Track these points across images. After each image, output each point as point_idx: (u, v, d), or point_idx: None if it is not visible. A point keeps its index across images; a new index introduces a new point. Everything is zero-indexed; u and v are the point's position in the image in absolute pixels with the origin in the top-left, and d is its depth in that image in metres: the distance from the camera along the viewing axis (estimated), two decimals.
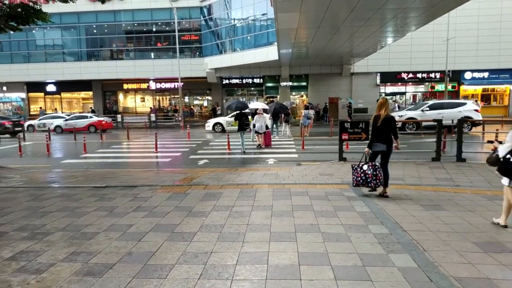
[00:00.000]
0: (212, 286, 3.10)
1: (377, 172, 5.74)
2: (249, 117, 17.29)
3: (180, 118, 28.86)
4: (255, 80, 33.14)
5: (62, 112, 31.57)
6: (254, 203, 5.65)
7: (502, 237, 4.11)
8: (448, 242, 3.95)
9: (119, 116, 30.51)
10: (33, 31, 33.12)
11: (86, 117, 25.01)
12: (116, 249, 3.95)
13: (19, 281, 3.26)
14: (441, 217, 4.81)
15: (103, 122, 24.41)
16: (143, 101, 36.42)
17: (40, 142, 17.77)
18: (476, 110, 18.36)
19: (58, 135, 23.07)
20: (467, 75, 30.69)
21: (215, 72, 31.17)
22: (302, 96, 34.00)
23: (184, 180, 7.61)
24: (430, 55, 29.78)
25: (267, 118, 16.40)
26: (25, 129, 25.16)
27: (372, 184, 5.78)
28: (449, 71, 27.78)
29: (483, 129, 17.01)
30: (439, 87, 31.06)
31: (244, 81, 33.26)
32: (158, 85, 34.22)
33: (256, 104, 19.98)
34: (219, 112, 31.57)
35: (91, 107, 35.34)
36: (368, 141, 6.19)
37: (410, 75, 31.22)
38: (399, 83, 32.06)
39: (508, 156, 4.18)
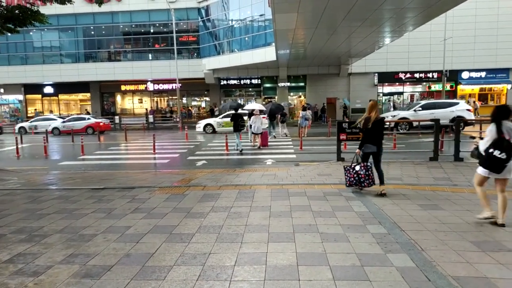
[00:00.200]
0: (210, 287, 3.10)
1: (370, 172, 5.97)
2: (245, 117, 17.36)
3: (178, 119, 28.85)
4: (253, 81, 33.15)
5: (53, 114, 31.64)
6: (252, 204, 5.65)
7: (499, 236, 4.12)
8: (446, 242, 3.96)
9: (117, 117, 30.47)
10: (31, 33, 33.03)
11: (84, 118, 24.95)
12: (114, 251, 3.95)
13: (16, 283, 3.25)
14: (439, 217, 4.82)
15: (101, 123, 24.38)
16: (141, 102, 36.40)
17: (37, 144, 17.72)
18: (468, 110, 18.52)
19: (56, 137, 23.02)
20: (464, 75, 30.78)
21: (213, 73, 31.16)
22: (300, 96, 34.02)
23: (182, 181, 7.60)
24: (427, 55, 29.85)
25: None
26: (16, 131, 25.18)
27: (365, 183, 5.98)
28: (446, 71, 27.88)
29: (481, 128, 17.03)
30: (437, 87, 31.15)
31: (242, 82, 33.26)
32: (156, 86, 34.17)
33: (253, 105, 20.02)
34: (217, 113, 31.58)
35: (86, 109, 35.36)
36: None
37: (408, 75, 31.28)
38: (397, 83, 32.11)
39: (491, 150, 4.35)
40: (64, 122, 24.63)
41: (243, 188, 6.75)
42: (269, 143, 15.18)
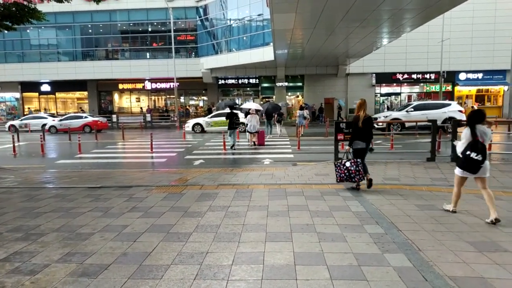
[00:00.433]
0: (207, 286, 3.10)
1: (359, 168, 6.22)
2: (241, 116, 17.50)
3: (175, 118, 28.81)
4: (251, 81, 33.14)
5: (45, 112, 31.54)
6: (249, 203, 5.65)
7: (496, 236, 4.14)
8: (443, 242, 3.98)
9: (114, 116, 30.37)
10: (28, 31, 32.90)
11: (81, 117, 24.87)
12: (111, 249, 3.93)
13: (13, 282, 3.23)
14: (435, 217, 4.84)
15: (98, 122, 24.30)
16: (139, 101, 36.32)
17: (34, 142, 17.65)
18: (460, 111, 18.59)
19: (53, 135, 22.92)
20: (462, 76, 30.91)
21: (210, 72, 31.11)
22: (298, 96, 34.04)
23: (180, 181, 7.59)
24: (425, 56, 29.98)
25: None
26: (7, 129, 25.07)
27: (356, 179, 6.23)
28: (443, 72, 27.99)
29: None
30: (434, 88, 31.25)
31: (240, 81, 33.24)
32: (154, 85, 34.10)
33: (250, 104, 20.05)
34: (215, 112, 31.53)
35: (80, 107, 35.30)
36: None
37: (405, 76, 31.38)
38: (394, 84, 32.22)
39: (468, 152, 4.60)
40: (61, 120, 24.57)
41: (240, 188, 6.74)
42: (266, 143, 15.19)
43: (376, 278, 3.18)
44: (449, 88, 31.29)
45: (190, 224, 4.74)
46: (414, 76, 31.33)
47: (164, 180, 7.69)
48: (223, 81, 33.29)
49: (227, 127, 13.66)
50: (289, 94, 33.73)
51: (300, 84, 33.03)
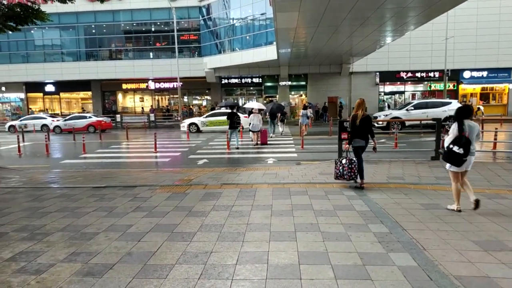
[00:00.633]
0: (212, 286, 3.10)
1: (352, 166, 6.34)
2: (241, 116, 17.58)
3: (179, 118, 28.87)
4: (254, 80, 33.14)
5: (44, 113, 31.75)
6: (253, 203, 5.65)
7: (502, 235, 4.12)
8: (448, 241, 3.96)
9: (118, 116, 30.50)
10: (32, 31, 33.04)
11: (85, 117, 24.98)
12: (116, 249, 3.95)
13: (19, 281, 3.26)
14: (440, 216, 4.82)
15: (102, 122, 24.40)
16: (142, 101, 36.44)
17: (39, 142, 17.75)
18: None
19: (57, 135, 23.04)
20: (466, 74, 30.72)
21: (214, 72, 31.15)
22: (301, 95, 33.99)
23: (184, 180, 7.61)
24: (429, 54, 29.80)
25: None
26: (7, 129, 25.22)
27: (346, 176, 6.36)
28: (448, 70, 27.81)
29: (482, 128, 17.03)
30: (438, 86, 31.09)
31: (243, 80, 33.25)
32: (157, 85, 34.19)
33: (253, 103, 20.07)
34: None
35: (82, 108, 35.44)
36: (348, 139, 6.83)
37: (409, 74, 31.26)
38: (398, 82, 32.10)
39: (451, 146, 4.85)
40: (65, 120, 24.71)
41: (244, 187, 6.75)
42: (270, 142, 15.20)
43: (380, 277, 3.17)
44: (452, 86, 31.07)
45: (194, 223, 4.75)
46: (418, 74, 31.19)
47: (168, 180, 7.71)
48: (226, 81, 33.32)
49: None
50: (293, 93, 33.68)
51: (303, 83, 32.98)
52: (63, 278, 3.30)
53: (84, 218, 5.12)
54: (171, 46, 31.01)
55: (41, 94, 36.19)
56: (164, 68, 31.93)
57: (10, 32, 10.97)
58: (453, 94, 30.82)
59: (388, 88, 32.48)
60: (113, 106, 35.88)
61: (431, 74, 31.00)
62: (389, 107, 30.05)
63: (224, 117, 20.99)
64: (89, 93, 35.76)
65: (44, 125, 25.38)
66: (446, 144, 5.01)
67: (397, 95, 32.71)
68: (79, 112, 31.50)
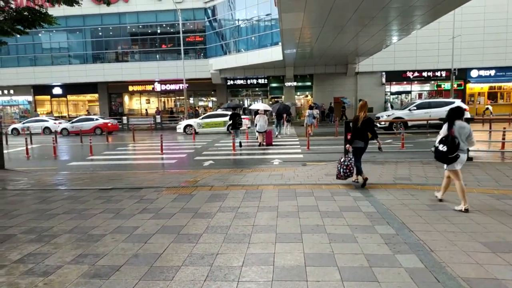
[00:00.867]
0: (218, 287, 3.11)
1: (349, 163, 6.48)
2: (243, 117, 17.71)
3: (185, 120, 28.96)
4: (260, 81, 33.15)
5: (48, 115, 32.07)
6: (259, 204, 5.64)
7: (510, 237, 4.07)
8: (455, 242, 3.92)
9: (124, 118, 30.69)
10: (39, 35, 33.41)
11: (92, 119, 25.18)
12: (122, 251, 3.97)
13: (27, 283, 3.29)
14: (448, 217, 4.78)
15: (109, 124, 24.57)
16: (148, 102, 36.66)
17: (47, 144, 17.92)
18: (464, 109, 18.26)
19: (65, 137, 23.25)
20: (473, 73, 30.43)
21: (219, 73, 31.23)
22: (307, 96, 33.92)
23: (190, 182, 7.63)
24: (435, 54, 29.55)
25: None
26: (10, 132, 25.53)
27: (342, 173, 6.51)
28: (455, 69, 27.57)
29: (490, 127, 16.88)
30: (445, 85, 30.83)
31: (248, 81, 33.28)
32: (163, 87, 34.34)
33: (258, 105, 20.10)
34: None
35: (87, 110, 35.74)
36: (348, 139, 6.94)
37: (416, 74, 31.04)
38: (405, 82, 31.89)
39: (437, 144, 5.13)
40: (72, 122, 24.93)
41: (250, 188, 6.75)
42: (276, 143, 15.20)
43: (387, 279, 3.15)
44: (459, 86, 30.79)
45: (201, 225, 4.76)
46: (424, 74, 30.95)
47: (174, 181, 7.74)
48: (232, 82, 33.37)
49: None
50: (298, 93, 33.62)
51: (309, 83, 32.91)
52: (70, 279, 3.33)
53: (91, 220, 5.16)
54: (176, 47, 31.13)
55: (48, 97, 36.58)
56: (170, 69, 32.07)
57: (18, 36, 11.09)
58: (461, 93, 30.53)
59: (395, 88, 32.28)
60: (120, 108, 36.12)
61: (438, 74, 30.73)
62: (392, 107, 29.85)
63: (220, 119, 21.14)
64: (96, 95, 36.05)
65: (46, 128, 25.66)
66: (436, 143, 5.22)
67: (404, 95, 32.48)
68: (85, 115, 31.76)
